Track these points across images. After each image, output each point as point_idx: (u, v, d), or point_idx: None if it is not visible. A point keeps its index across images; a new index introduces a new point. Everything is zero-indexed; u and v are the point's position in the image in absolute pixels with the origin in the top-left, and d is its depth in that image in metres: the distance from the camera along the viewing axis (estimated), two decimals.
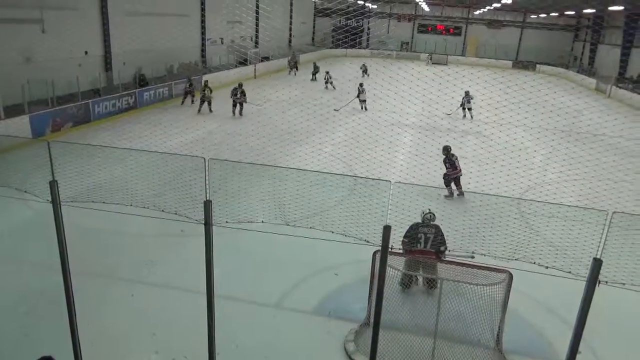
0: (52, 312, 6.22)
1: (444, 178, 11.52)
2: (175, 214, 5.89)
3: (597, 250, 4.71)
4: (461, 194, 11.42)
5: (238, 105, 19.26)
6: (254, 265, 7.93)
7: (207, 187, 5.35)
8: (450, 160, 11.51)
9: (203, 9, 28.45)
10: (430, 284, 7.01)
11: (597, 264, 4.50)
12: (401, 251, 6.85)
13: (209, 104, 19.65)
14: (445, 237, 7.06)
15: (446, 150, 11.64)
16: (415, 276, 7.05)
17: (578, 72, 39.50)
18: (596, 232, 5.32)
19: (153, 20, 23.18)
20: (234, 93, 19.32)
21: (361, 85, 21.71)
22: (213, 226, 4.92)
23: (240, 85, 19.82)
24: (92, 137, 14.87)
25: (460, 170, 11.57)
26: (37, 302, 6.73)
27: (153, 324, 6.40)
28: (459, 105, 21.11)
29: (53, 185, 4.66)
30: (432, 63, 42.62)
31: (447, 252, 6.97)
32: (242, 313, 6.71)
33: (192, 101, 21.12)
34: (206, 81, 20.52)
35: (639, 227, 5.84)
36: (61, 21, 18.12)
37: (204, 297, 4.99)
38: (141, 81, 21.68)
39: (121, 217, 6.42)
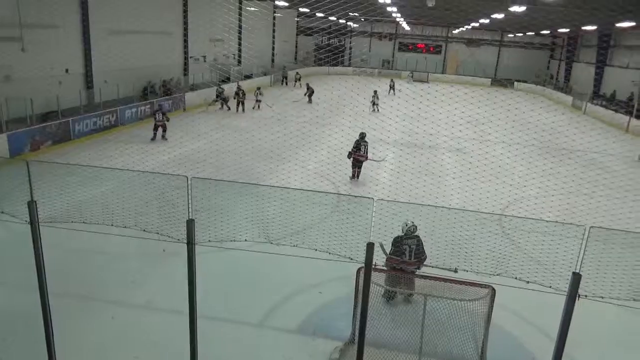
0: (29, 335, 6.05)
1: (348, 157, 13.30)
2: (157, 233, 5.83)
3: (576, 265, 4.80)
4: (356, 177, 13.27)
5: (241, 104, 23.83)
6: (237, 284, 7.86)
7: (190, 205, 5.33)
8: (358, 144, 13.16)
9: (186, 27, 28.54)
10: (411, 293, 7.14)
11: (576, 278, 4.60)
12: (384, 267, 6.88)
13: (242, 104, 24.08)
14: (429, 253, 7.17)
15: (361, 135, 13.53)
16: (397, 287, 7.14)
17: (554, 89, 40.58)
18: (575, 246, 5.43)
19: (135, 38, 23.15)
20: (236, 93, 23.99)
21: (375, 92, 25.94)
22: (196, 245, 4.89)
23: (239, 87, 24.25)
24: (72, 156, 14.67)
25: (365, 156, 13.16)
26: (14, 326, 6.54)
27: (135, 346, 6.27)
28: (370, 104, 25.61)
29: (31, 205, 4.59)
30: (414, 81, 43.36)
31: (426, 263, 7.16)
32: (226, 333, 6.62)
33: (227, 107, 24.30)
34: (239, 85, 24.74)
35: (616, 241, 5.97)
36: (41, 39, 17.97)
37: (186, 318, 4.93)
38: (166, 90, 23.89)
39: (101, 237, 6.33)
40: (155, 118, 17.77)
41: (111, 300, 7.26)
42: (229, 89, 25.53)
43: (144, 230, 5.94)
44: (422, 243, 7.23)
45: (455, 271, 6.67)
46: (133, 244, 8.02)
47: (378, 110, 25.81)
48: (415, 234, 7.25)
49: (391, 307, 7.23)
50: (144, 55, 23.34)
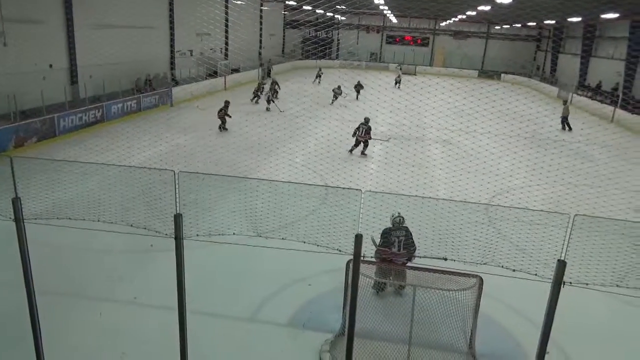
0: (16, 333, 5.98)
1: (353, 136, 15.85)
2: (145, 228, 5.78)
3: (561, 252, 4.86)
4: (350, 151, 15.74)
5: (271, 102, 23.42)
6: (226, 278, 7.84)
7: (177, 200, 5.28)
8: (360, 127, 15.67)
9: (171, 21, 28.21)
10: (400, 285, 7.22)
11: (561, 265, 4.65)
12: (373, 260, 6.90)
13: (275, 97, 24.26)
14: (417, 243, 7.20)
15: (365, 119, 15.85)
16: (387, 277, 7.22)
17: (540, 80, 40.88)
18: (560, 234, 5.49)
19: (120, 32, 22.83)
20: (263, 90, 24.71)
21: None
22: (184, 240, 4.85)
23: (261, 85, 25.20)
24: (58, 152, 14.48)
25: (363, 137, 15.60)
26: (0, 324, 6.46)
27: (123, 343, 6.23)
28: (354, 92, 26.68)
29: (16, 202, 4.52)
30: (402, 73, 43.36)
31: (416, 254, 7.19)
32: (215, 328, 6.61)
33: (260, 100, 24.56)
34: (275, 80, 25.40)
35: (600, 229, 6.05)
36: (24, 34, 17.63)
37: (175, 313, 4.90)
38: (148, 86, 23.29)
39: (88, 233, 6.27)
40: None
41: (98, 297, 7.20)
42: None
43: (131, 226, 5.88)
44: (411, 234, 7.27)
45: (445, 259, 6.74)
46: (120, 240, 7.96)
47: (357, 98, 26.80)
48: (404, 225, 7.29)
49: (381, 299, 7.26)
50: (129, 50, 23.04)
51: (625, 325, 7.26)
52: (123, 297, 7.22)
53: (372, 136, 15.97)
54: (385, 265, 7.00)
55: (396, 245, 7.17)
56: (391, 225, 7.29)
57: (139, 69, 24.13)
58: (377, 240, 7.30)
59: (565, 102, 22.93)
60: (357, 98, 27.18)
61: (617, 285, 5.20)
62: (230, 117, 18.45)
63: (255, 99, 24.90)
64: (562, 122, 22.16)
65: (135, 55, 23.85)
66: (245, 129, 18.03)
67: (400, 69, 44.97)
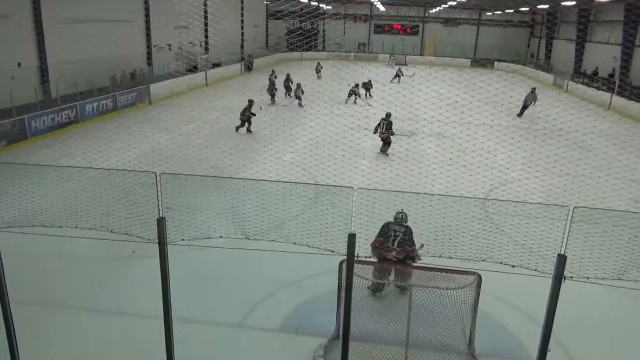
0: None
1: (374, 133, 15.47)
2: (126, 234, 5.75)
3: (561, 246, 4.93)
4: (382, 151, 15.34)
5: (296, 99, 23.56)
6: (213, 283, 7.82)
7: (160, 203, 5.26)
8: (381, 122, 15.21)
9: (147, 14, 27.97)
10: (401, 285, 7.24)
11: (561, 259, 4.72)
12: (368, 259, 6.93)
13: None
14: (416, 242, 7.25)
15: (387, 114, 15.40)
16: (384, 276, 7.24)
17: (535, 68, 41.27)
18: (559, 228, 5.57)
19: (93, 27, 22.59)
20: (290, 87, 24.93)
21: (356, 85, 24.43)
22: (168, 245, 4.84)
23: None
24: (30, 156, 14.30)
25: (385, 133, 15.09)
26: None
27: (106, 354, 6.20)
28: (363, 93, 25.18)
29: None
30: (395, 64, 43.36)
31: (419, 256, 7.20)
32: (203, 336, 6.60)
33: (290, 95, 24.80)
34: (298, 84, 24.16)
35: (600, 221, 6.16)
36: None
37: (160, 322, 4.89)
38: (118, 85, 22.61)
39: (66, 240, 6.22)
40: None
41: (79, 307, 7.14)
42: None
43: (112, 232, 5.85)
44: (410, 234, 7.28)
45: (422, 246, 6.90)
46: (100, 246, 7.90)
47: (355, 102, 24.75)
48: (405, 224, 7.35)
49: (376, 300, 7.30)
50: (103, 46, 22.82)
51: (628, 319, 7.38)
52: (105, 307, 7.17)
53: (394, 132, 15.39)
54: (384, 265, 7.04)
55: (392, 239, 7.25)
56: (392, 220, 7.39)
57: (115, 66, 23.90)
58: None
59: (533, 90, 22.98)
60: (366, 96, 25.74)
61: (619, 278, 5.30)
62: (254, 115, 17.91)
63: (271, 99, 24.17)
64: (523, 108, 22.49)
65: (109, 51, 23.60)
66: (231, 127, 17.97)
67: (394, 59, 45.03)
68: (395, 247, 7.19)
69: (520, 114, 22.30)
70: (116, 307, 7.15)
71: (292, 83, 25.48)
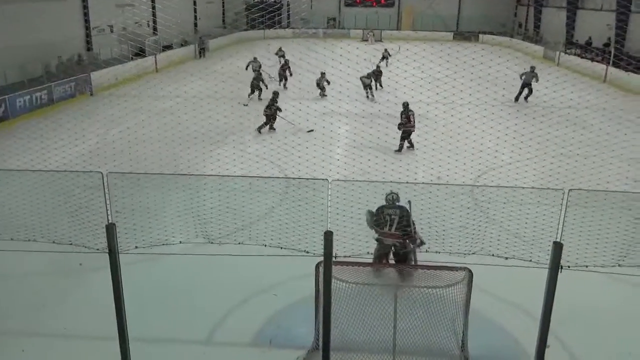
0: None
1: (398, 128, 14.74)
2: (71, 244, 5.66)
3: (557, 233, 5.08)
4: (411, 145, 14.94)
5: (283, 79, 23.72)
6: (174, 296, 7.76)
7: (109, 207, 5.19)
8: (406, 113, 14.57)
9: None
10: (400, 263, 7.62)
11: (557, 247, 4.86)
12: (347, 259, 7.00)
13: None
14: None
15: (405, 105, 14.74)
16: (386, 257, 7.69)
17: (523, 39, 41.97)
18: (554, 213, 5.73)
19: (21, 9, 21.96)
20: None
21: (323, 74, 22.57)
22: (120, 254, 4.79)
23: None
24: None
25: (414, 125, 14.71)
26: None
27: None
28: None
29: None
30: (375, 40, 43.22)
31: (420, 238, 7.54)
32: (165, 356, 6.56)
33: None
34: (323, 72, 22.67)
35: (597, 204, 6.36)
36: None
37: (115, 343, 4.84)
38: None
39: (0, 255, 6.07)
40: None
41: (20, 331, 7.00)
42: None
43: (54, 243, 5.75)
44: (408, 215, 7.55)
45: (427, 251, 7.08)
46: (41, 260, 7.75)
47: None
48: (399, 203, 7.63)
49: (358, 304, 7.37)
50: (34, 30, 22.22)
51: (629, 309, 7.63)
52: (50, 329, 7.04)
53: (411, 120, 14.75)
54: (379, 267, 7.27)
55: (388, 224, 7.48)
56: (385, 203, 7.62)
57: (49, 52, 23.32)
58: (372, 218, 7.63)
59: (532, 69, 21.86)
60: (376, 87, 23.79)
61: (619, 265, 5.48)
62: (281, 110, 17.17)
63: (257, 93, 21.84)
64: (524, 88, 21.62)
65: (42, 36, 23.02)
66: (184, 117, 17.77)
67: (374, 35, 44.95)
68: (394, 232, 7.46)
69: (517, 99, 21.64)
70: (62, 329, 7.03)
71: (289, 70, 24.92)
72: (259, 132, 16.84)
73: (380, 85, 24.24)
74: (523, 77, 21.83)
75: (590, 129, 16.93)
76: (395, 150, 14.84)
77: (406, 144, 14.97)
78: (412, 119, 14.67)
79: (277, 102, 17.10)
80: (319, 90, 22.78)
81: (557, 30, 38.32)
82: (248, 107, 19.69)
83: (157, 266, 8.03)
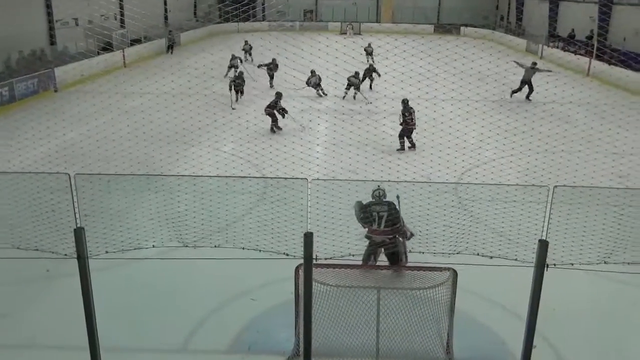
0: None
1: (400, 125, 14.82)
2: (37, 249, 5.58)
3: (542, 231, 5.17)
4: (413, 146, 14.98)
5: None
6: (147, 302, 7.70)
7: (77, 210, 5.13)
8: (408, 110, 14.71)
9: None
10: (392, 259, 7.77)
11: (543, 245, 4.95)
12: (328, 261, 7.03)
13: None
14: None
15: (404, 102, 14.90)
16: (375, 253, 7.85)
17: (505, 32, 42.57)
18: (539, 210, 5.83)
19: None
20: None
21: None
22: (89, 259, 4.74)
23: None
24: None
25: (415, 123, 14.80)
26: None
27: None
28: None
29: None
30: (354, 34, 43.20)
31: (410, 231, 7.75)
32: None
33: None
34: (312, 70, 21.70)
35: (582, 200, 6.48)
36: None
37: (86, 353, 4.79)
38: None
39: None
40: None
41: None
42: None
43: (18, 248, 5.66)
44: (396, 211, 7.66)
45: (410, 251, 7.18)
46: (5, 267, 7.60)
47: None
48: (386, 199, 7.73)
49: (340, 307, 7.40)
50: None
51: (616, 307, 7.81)
52: (16, 340, 6.93)
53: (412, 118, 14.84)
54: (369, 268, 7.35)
55: (376, 221, 7.58)
56: (372, 199, 7.72)
57: (9, 46, 22.90)
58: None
59: (534, 65, 21.55)
60: (370, 88, 23.36)
61: (605, 262, 5.60)
62: (287, 111, 17.06)
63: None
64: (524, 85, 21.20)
65: (0, 29, 22.60)
66: (156, 115, 17.60)
67: (352, 28, 44.96)
68: (383, 229, 7.57)
69: (512, 94, 21.10)
70: (29, 339, 6.92)
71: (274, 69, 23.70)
72: (273, 131, 16.90)
73: (371, 88, 23.35)
74: (524, 74, 21.26)
75: (575, 123, 17.24)
76: (398, 149, 14.90)
77: (407, 143, 15.02)
78: (413, 117, 14.79)
79: (279, 103, 17.03)
80: (315, 90, 21.94)
81: (539, 23, 38.93)
82: (225, 105, 19.57)
83: (129, 272, 7.95)
